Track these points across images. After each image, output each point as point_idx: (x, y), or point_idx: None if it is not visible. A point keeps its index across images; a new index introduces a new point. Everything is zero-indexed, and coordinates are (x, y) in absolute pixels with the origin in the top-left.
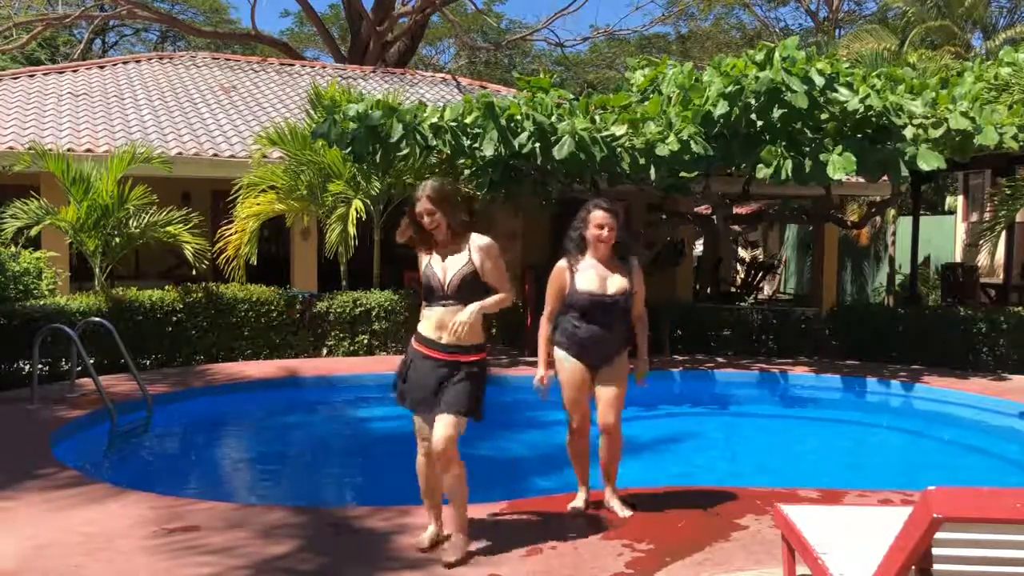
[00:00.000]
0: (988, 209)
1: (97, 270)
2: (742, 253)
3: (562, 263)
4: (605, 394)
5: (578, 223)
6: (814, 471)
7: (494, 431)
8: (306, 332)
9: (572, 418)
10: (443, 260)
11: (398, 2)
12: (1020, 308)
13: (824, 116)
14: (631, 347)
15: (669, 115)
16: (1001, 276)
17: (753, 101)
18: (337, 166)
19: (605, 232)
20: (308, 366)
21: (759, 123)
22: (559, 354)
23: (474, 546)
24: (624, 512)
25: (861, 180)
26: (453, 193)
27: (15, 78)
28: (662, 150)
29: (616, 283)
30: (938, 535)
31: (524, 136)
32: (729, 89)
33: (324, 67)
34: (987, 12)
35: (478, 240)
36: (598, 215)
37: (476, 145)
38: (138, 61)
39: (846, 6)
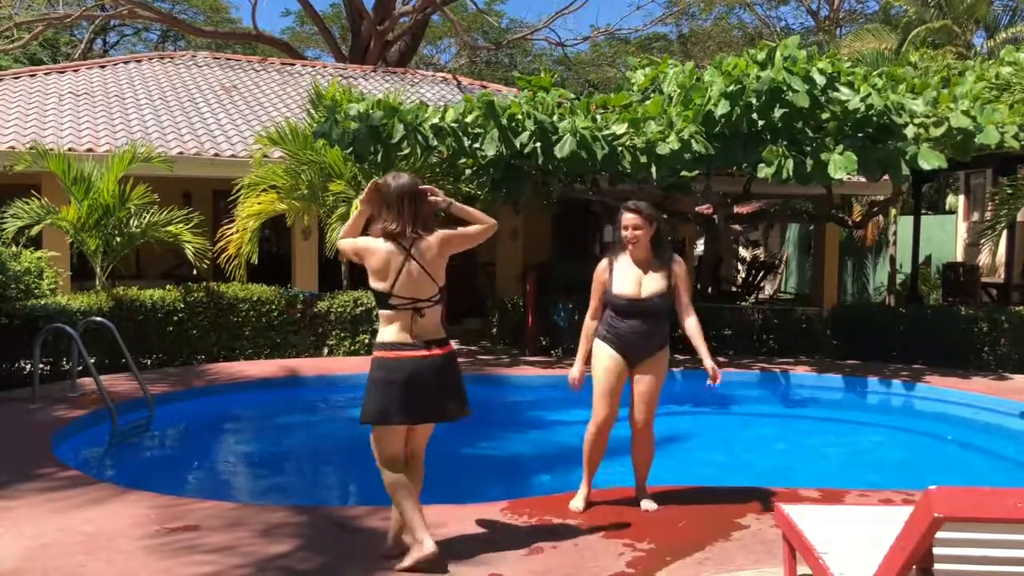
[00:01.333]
0: (989, 208)
1: (98, 270)
2: (743, 252)
3: (603, 262)
4: (640, 389)
5: (617, 224)
6: (815, 470)
7: (495, 431)
8: (307, 332)
9: (599, 410)
10: None
11: (399, 1)
12: (1021, 307)
13: (825, 115)
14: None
15: (670, 114)
16: (1002, 275)
17: (754, 100)
18: (338, 166)
19: (629, 233)
20: (309, 366)
21: (760, 122)
22: (599, 346)
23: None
24: (651, 506)
25: (862, 179)
26: (384, 190)
27: (16, 78)
28: (663, 149)
29: (651, 285)
30: (939, 535)
31: (525, 135)
32: (730, 88)
33: (325, 67)
34: (989, 11)
35: None
36: (625, 217)
37: (477, 145)
38: (139, 61)
39: (847, 5)
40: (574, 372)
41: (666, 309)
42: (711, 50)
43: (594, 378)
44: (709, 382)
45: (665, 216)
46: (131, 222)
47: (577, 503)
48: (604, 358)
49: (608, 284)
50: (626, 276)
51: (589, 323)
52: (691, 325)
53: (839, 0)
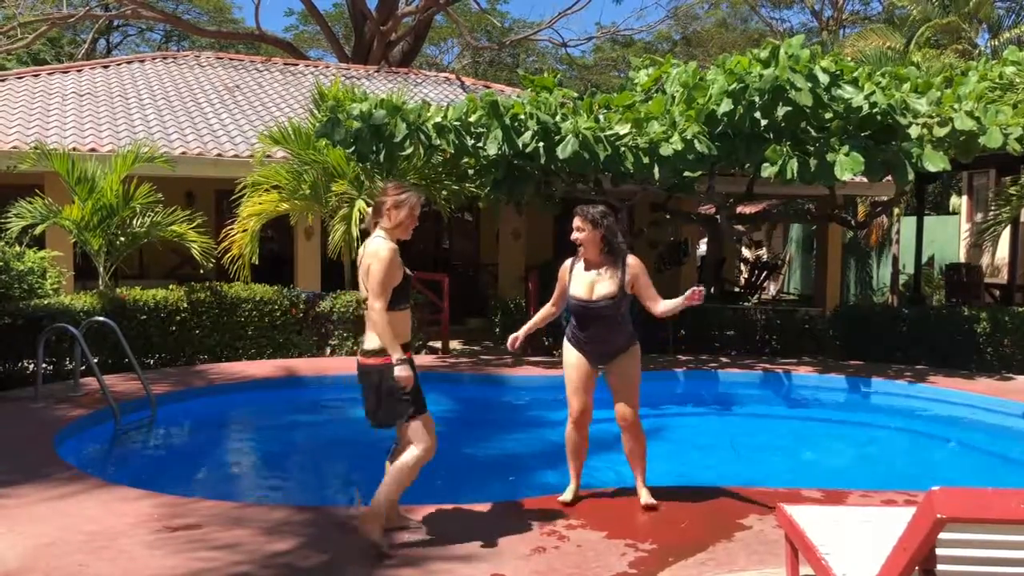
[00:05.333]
0: (992, 209)
1: (101, 269)
2: (746, 253)
3: (567, 262)
4: (616, 387)
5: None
6: (817, 471)
7: (497, 431)
8: (309, 332)
9: (572, 407)
10: None
11: (402, 2)
12: None
13: (828, 115)
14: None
15: (673, 114)
16: (1005, 276)
17: (757, 99)
18: (341, 166)
19: (574, 235)
20: (311, 366)
21: (763, 122)
22: (566, 345)
23: (410, 537)
24: (650, 501)
25: (865, 180)
26: (381, 196)
27: (20, 78)
28: (666, 149)
29: (602, 288)
30: (942, 535)
31: (528, 135)
32: (733, 87)
33: (328, 67)
34: (993, 11)
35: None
36: (573, 220)
37: (480, 144)
38: (142, 61)
39: (851, 6)
40: (511, 338)
41: (620, 312)
42: (714, 52)
43: (564, 377)
44: (693, 300)
45: (667, 216)
46: (135, 222)
47: (565, 498)
48: (570, 358)
49: (567, 285)
50: (581, 279)
51: (547, 307)
52: (662, 306)
53: (843, 0)
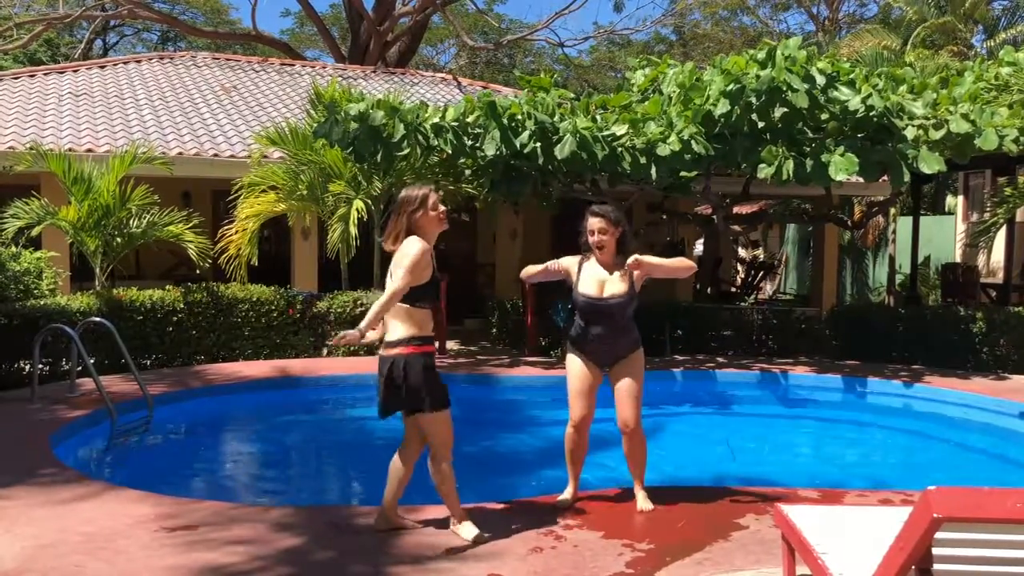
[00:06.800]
0: (988, 209)
1: (98, 270)
2: (742, 253)
3: (578, 257)
4: (619, 392)
5: (582, 228)
6: (814, 471)
7: (494, 431)
8: (306, 332)
9: (574, 411)
10: None
11: (398, 2)
12: (1020, 308)
13: (824, 116)
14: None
15: (670, 115)
16: (1001, 276)
17: (754, 100)
18: (338, 166)
19: (595, 238)
20: (307, 366)
21: (760, 123)
22: (569, 348)
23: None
24: (646, 505)
25: (861, 180)
26: (403, 199)
27: (16, 78)
28: (663, 150)
29: (613, 287)
30: (938, 535)
31: (525, 135)
32: (730, 88)
33: (324, 67)
34: (988, 12)
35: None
36: (590, 221)
37: (477, 145)
38: (139, 61)
39: (847, 7)
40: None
41: (628, 311)
42: (711, 51)
43: (568, 380)
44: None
45: (663, 216)
46: (131, 222)
47: (563, 497)
48: (574, 362)
49: (575, 282)
50: (591, 278)
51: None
52: (675, 266)
53: (838, 1)
